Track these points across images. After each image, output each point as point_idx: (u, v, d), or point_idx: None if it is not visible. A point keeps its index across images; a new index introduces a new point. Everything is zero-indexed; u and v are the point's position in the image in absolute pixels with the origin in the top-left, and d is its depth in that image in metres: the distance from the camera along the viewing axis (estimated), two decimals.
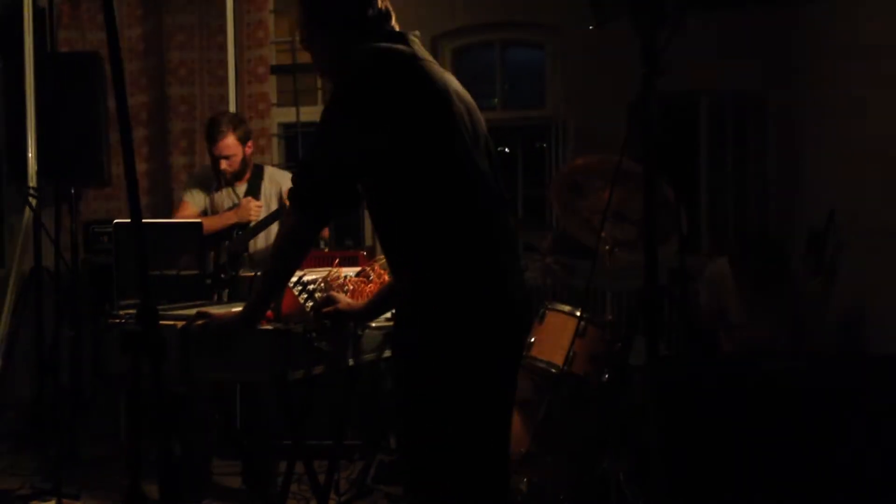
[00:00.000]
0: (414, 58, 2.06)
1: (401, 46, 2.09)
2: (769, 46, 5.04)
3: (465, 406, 2.00)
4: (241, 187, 4.22)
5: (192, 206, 4.25)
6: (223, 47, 5.32)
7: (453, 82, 2.15)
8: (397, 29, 2.20)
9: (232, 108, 5.25)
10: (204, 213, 4.22)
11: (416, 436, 2.05)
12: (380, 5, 2.17)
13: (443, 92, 2.04)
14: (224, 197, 4.24)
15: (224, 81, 5.33)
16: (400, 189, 2.02)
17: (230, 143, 4.09)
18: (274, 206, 4.19)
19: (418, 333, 2.01)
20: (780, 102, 5.23)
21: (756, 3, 3.77)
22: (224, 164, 4.12)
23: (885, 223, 3.77)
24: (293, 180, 2.11)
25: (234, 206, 4.17)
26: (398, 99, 1.99)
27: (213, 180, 4.25)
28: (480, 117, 2.18)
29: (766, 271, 3.86)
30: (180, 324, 2.40)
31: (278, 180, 4.27)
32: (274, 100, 5.59)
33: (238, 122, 4.18)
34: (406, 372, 2.04)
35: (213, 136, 4.11)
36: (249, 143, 4.23)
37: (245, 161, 4.20)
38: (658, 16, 2.20)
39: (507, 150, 5.29)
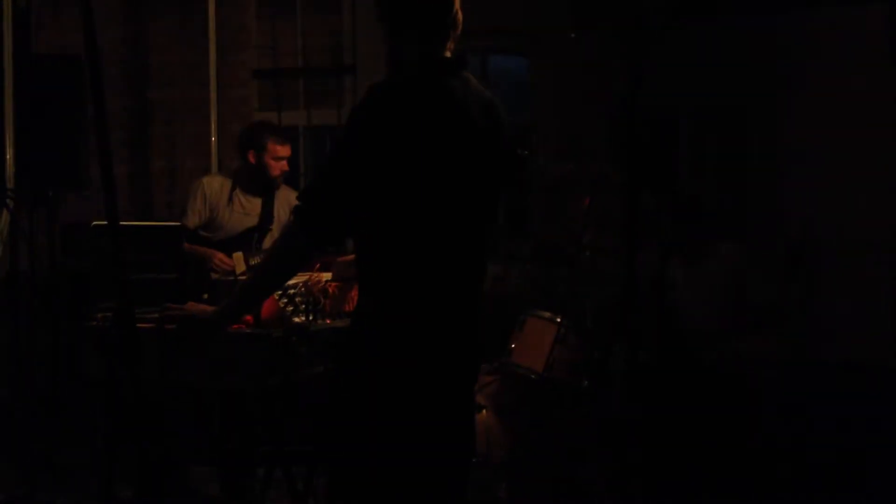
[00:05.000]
0: (421, 99, 2.02)
1: (413, 87, 2.03)
2: (749, 58, 5.07)
3: (392, 429, 1.98)
4: (257, 200, 4.16)
5: (188, 225, 4.17)
6: (205, 51, 5.30)
7: (479, 114, 2.07)
8: (449, 51, 2.11)
9: (213, 113, 5.24)
10: (195, 231, 4.14)
11: (342, 451, 2.03)
12: (434, 29, 2.09)
13: (441, 139, 2.01)
14: (231, 210, 4.15)
15: (205, 85, 5.32)
16: (378, 221, 2.02)
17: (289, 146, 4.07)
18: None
19: (365, 351, 2.01)
20: (760, 114, 5.26)
21: (738, 12, 3.79)
22: (283, 166, 4.07)
23: (862, 235, 3.80)
24: (298, 198, 2.09)
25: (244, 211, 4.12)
26: (387, 143, 1.98)
27: (225, 191, 4.15)
28: (501, 149, 2.13)
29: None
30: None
31: (291, 199, 4.17)
32: (255, 104, 5.58)
33: None
34: (345, 385, 2.04)
35: (280, 138, 4.04)
36: None
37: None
38: (640, 26, 2.21)
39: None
